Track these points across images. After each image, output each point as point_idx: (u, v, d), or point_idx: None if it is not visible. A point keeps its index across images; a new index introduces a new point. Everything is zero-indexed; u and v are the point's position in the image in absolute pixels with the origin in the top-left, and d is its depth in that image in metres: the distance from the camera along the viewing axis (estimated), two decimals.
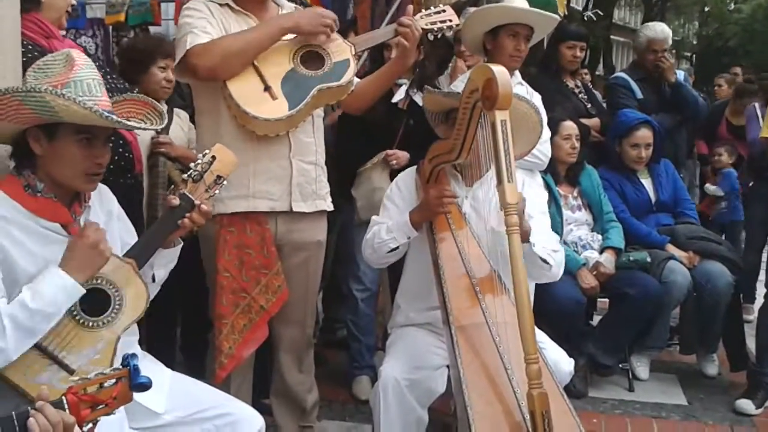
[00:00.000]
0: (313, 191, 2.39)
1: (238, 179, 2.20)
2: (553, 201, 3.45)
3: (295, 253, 2.41)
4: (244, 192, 2.27)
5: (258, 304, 2.30)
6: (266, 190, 2.29)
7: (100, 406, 1.28)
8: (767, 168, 4.07)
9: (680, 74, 4.43)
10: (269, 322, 2.38)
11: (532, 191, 2.47)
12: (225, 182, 1.87)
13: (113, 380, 1.30)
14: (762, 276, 4.13)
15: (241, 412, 1.90)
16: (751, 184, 4.49)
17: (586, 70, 6.16)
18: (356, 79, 2.42)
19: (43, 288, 1.61)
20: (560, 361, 2.26)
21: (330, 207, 2.48)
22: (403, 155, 3.09)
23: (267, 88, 2.20)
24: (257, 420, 1.91)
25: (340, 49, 2.31)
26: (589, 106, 4.06)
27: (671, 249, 3.55)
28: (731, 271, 3.47)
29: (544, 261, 2.23)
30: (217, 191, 1.86)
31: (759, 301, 3.63)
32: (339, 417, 3.05)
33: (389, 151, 3.11)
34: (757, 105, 4.61)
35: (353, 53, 2.33)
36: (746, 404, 3.29)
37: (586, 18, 5.27)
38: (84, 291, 1.66)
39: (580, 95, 4.06)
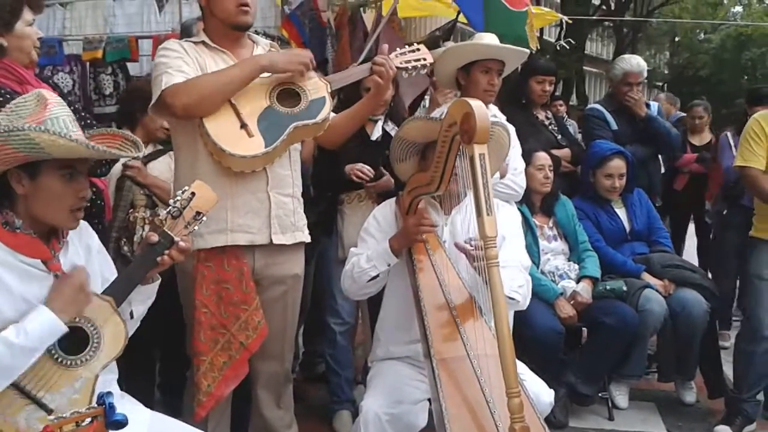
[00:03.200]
0: (291, 223, 2.40)
1: (216, 213, 2.20)
2: (530, 231, 3.49)
3: (273, 287, 2.41)
4: (223, 226, 2.27)
5: (238, 341, 2.29)
6: (245, 223, 2.30)
7: None
8: (741, 196, 4.15)
9: (653, 106, 4.52)
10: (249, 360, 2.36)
11: (506, 212, 2.51)
12: (205, 218, 1.87)
13: (89, 419, 1.30)
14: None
15: None
16: (725, 212, 4.58)
17: (561, 102, 6.26)
18: (332, 115, 2.45)
19: (29, 325, 1.61)
20: (540, 392, 2.27)
21: (308, 238, 2.49)
22: (385, 182, 3.10)
23: (243, 126, 2.22)
24: None
25: (317, 87, 2.35)
26: (559, 137, 4.13)
27: (647, 277, 3.59)
28: (706, 299, 3.52)
29: (511, 298, 2.26)
30: (196, 227, 1.86)
31: (735, 326, 3.67)
32: None
33: (378, 183, 3.11)
34: (729, 134, 4.72)
35: (329, 91, 2.37)
36: (725, 430, 3.31)
37: (558, 47, 5.39)
38: (66, 329, 1.66)
39: (550, 126, 4.14)
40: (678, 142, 4.60)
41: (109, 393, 1.36)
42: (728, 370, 3.60)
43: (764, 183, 3.21)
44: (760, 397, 3.40)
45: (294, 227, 2.41)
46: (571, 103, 14.88)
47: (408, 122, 2.37)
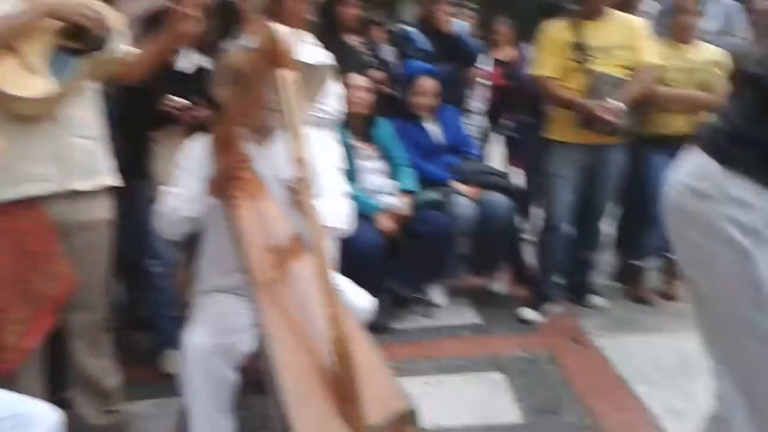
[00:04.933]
0: (92, 167, 2.28)
1: (7, 163, 2.06)
2: (348, 152, 3.59)
3: (78, 234, 2.29)
4: (15, 177, 2.12)
5: (41, 293, 2.18)
6: (39, 172, 2.16)
7: None
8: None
9: (460, 26, 4.69)
10: (58, 310, 2.26)
11: (321, 139, 2.56)
12: None
13: None
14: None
15: (31, 409, 1.75)
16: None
17: (377, 24, 6.24)
18: (132, 49, 2.34)
19: None
20: (359, 301, 2.40)
21: (115, 182, 2.38)
22: (203, 111, 3.01)
23: (27, 65, 2.05)
24: (51, 415, 1.76)
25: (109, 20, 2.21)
26: (373, 60, 4.20)
27: (457, 185, 3.85)
28: (511, 199, 3.87)
29: (340, 228, 2.38)
30: None
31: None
32: (147, 395, 2.91)
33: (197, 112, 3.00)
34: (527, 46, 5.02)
35: (124, 23, 2.24)
36: (528, 312, 3.75)
37: None
38: None
39: (363, 50, 4.20)
40: (476, 58, 4.86)
41: None
42: (531, 259, 4.03)
43: (557, 90, 3.52)
44: (560, 281, 3.88)
45: (97, 171, 2.29)
46: (389, 28, 14.93)
47: (225, 54, 2.31)
